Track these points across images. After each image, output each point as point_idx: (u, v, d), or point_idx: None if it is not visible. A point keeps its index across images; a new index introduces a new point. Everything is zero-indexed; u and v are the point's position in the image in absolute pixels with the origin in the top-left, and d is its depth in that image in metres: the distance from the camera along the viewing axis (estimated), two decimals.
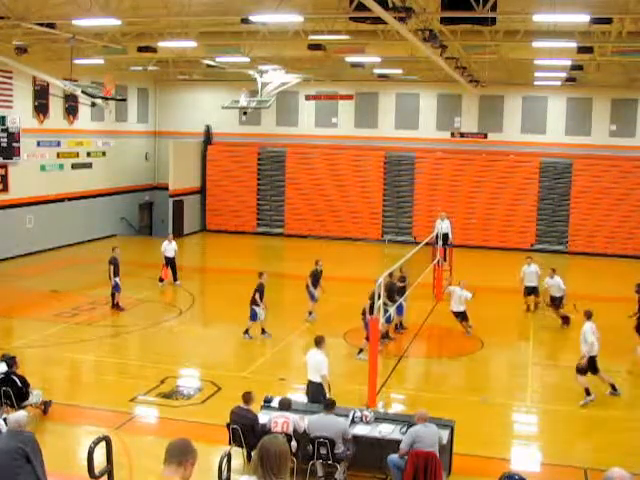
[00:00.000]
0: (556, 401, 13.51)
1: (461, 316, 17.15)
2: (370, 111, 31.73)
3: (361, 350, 15.16)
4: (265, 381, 13.78)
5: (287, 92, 30.04)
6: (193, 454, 4.76)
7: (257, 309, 16.58)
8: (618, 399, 13.46)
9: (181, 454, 4.72)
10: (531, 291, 19.25)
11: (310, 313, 18.30)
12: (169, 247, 22.19)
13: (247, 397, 10.19)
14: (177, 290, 22.07)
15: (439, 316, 18.80)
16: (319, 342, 11.67)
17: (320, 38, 18.22)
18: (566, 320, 17.63)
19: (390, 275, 18.24)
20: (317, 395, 11.31)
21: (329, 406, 9.83)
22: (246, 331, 16.72)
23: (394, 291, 16.67)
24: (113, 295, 19.11)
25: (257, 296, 16.58)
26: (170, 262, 22.18)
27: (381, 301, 13.42)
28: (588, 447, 11.23)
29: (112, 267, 18.95)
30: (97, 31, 18.51)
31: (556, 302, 17.88)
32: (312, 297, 18.24)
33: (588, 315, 13.24)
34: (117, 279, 18.95)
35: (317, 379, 11.47)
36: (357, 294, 19.69)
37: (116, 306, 19.01)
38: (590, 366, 12.92)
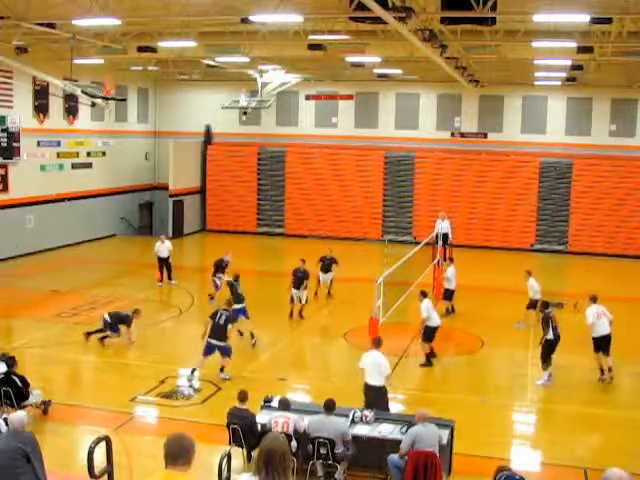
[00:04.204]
0: (556, 401, 13.52)
1: None
2: (370, 111, 31.73)
3: None
4: (265, 381, 13.78)
5: (287, 92, 30.06)
6: (194, 447, 4.86)
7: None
8: (618, 399, 13.45)
9: (187, 452, 4.81)
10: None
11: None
12: (162, 247, 22.10)
13: (243, 396, 10.16)
14: (177, 290, 22.06)
15: (439, 316, 18.73)
16: (379, 343, 11.52)
17: (320, 38, 18.22)
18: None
19: (303, 261, 18.63)
20: (378, 399, 11.08)
21: (329, 407, 9.81)
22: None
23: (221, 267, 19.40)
24: None
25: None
26: (164, 262, 22.17)
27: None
28: (588, 447, 11.22)
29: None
30: (97, 31, 18.51)
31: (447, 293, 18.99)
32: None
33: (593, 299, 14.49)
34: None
35: (377, 382, 11.24)
36: (357, 294, 19.72)
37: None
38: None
